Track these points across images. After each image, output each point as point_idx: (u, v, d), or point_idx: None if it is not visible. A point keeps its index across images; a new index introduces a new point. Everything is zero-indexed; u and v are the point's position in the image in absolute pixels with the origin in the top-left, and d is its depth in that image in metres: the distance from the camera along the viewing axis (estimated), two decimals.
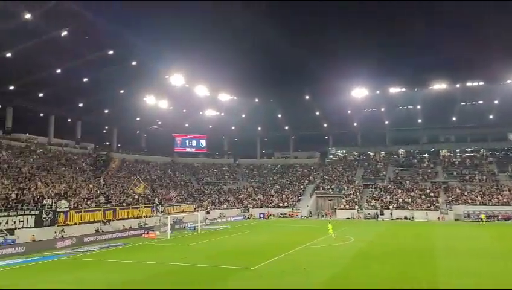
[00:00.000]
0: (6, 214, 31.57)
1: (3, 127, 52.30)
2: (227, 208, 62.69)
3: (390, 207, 57.81)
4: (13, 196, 35.27)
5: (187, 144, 79.52)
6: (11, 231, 31.15)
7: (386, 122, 74.76)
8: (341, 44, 50.82)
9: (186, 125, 77.69)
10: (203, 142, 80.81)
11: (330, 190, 67.21)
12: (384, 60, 52.21)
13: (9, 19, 35.58)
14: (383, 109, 70.74)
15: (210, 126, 78.41)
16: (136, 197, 49.60)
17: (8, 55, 40.72)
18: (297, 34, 49.73)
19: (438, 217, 53.86)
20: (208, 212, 56.63)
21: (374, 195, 62.19)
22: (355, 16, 46.04)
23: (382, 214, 56.74)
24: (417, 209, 56.30)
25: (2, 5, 33.66)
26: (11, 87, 49.02)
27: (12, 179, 38.84)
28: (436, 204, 56.65)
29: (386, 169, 71.37)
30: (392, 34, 49.08)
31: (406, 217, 55.18)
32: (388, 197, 60.84)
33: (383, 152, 79.11)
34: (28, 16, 35.15)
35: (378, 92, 63.50)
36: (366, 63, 51.08)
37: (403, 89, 62.67)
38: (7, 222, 31.15)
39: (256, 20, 45.38)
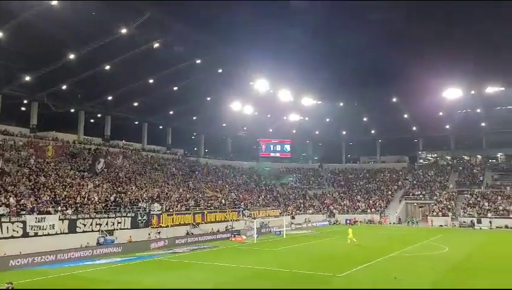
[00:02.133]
0: (106, 215, 33.93)
1: (102, 135, 56.43)
2: (312, 213, 62.11)
3: (489, 215, 53.53)
4: (112, 199, 37.79)
5: (272, 148, 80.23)
6: (111, 232, 33.42)
7: (483, 124, 69.40)
8: (431, 41, 48.17)
9: (270, 130, 78.36)
10: (287, 147, 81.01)
11: (421, 196, 63.96)
12: (479, 57, 48.36)
13: (107, 35, 38.32)
14: (478, 110, 65.79)
15: (294, 131, 78.40)
16: (223, 201, 50.86)
17: (107, 67, 43.86)
18: (384, 33, 47.92)
19: None
20: (293, 217, 56.49)
21: (470, 202, 57.99)
22: (447, 11, 43.30)
23: (479, 222, 52.73)
24: None
25: (101, 21, 36.34)
26: (109, 97, 52.81)
27: (111, 183, 41.67)
28: None
29: (483, 174, 66.32)
30: (488, 28, 45.37)
31: (506, 226, 50.78)
32: (486, 204, 56.40)
33: (479, 156, 73.61)
34: (124, 30, 37.57)
35: (473, 92, 59.10)
36: (459, 61, 47.81)
37: (502, 88, 57.68)
38: (107, 223, 33.46)
39: (341, 23, 44.54)
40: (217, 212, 46.02)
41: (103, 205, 36.03)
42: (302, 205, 64.85)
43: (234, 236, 41.02)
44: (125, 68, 44.83)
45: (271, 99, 60.45)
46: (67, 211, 32.30)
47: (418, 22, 45.83)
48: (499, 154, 72.48)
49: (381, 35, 48.71)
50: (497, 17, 43.66)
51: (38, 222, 29.06)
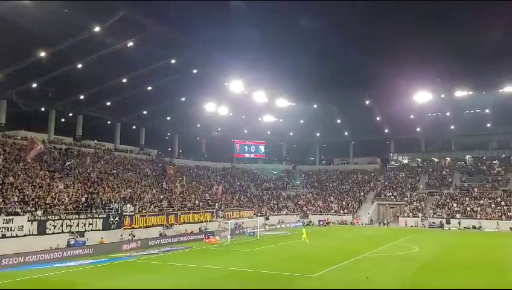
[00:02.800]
0: (77, 217, 33.24)
1: (73, 134, 55.32)
2: (286, 214, 62.46)
3: (457, 216, 55.01)
4: (83, 199, 37.09)
5: (246, 149, 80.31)
6: (81, 233, 32.79)
7: (452, 127, 71.35)
8: (403, 46, 49.21)
9: (245, 131, 78.43)
10: (262, 148, 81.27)
11: (392, 197, 65.19)
12: (450, 61, 49.79)
13: (80, 33, 37.64)
14: (448, 113, 67.56)
15: (268, 132, 78.71)
16: (197, 202, 50.60)
17: (79, 66, 43.05)
18: (358, 36, 48.70)
19: (510, 228, 50.53)
20: (267, 218, 56.67)
21: (440, 203, 59.48)
22: (418, 16, 44.37)
23: (448, 223, 54.14)
24: (487, 219, 53.20)
25: (74, 19, 35.67)
26: (82, 96, 51.80)
27: (82, 184, 40.91)
28: (508, 213, 53.15)
29: (452, 176, 68.10)
30: (458, 34, 46.82)
31: (474, 227, 52.32)
32: (455, 205, 57.94)
33: (448, 158, 75.59)
34: (97, 28, 36.99)
35: (443, 95, 60.70)
36: (431, 65, 49.05)
37: (470, 92, 59.46)
38: (78, 225, 32.80)
39: (315, 24, 45.00)
40: (190, 213, 45.75)
41: (74, 205, 35.34)
42: (276, 206, 65.14)
43: (208, 237, 40.87)
44: (98, 67, 44.10)
45: (246, 101, 60.54)
46: (37, 212, 31.55)
47: (390, 26, 46.72)
48: (467, 157, 74.55)
49: (354, 39, 49.45)
50: (466, 24, 45.04)
51: (6, 223, 28.29)
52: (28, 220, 29.63)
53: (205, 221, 46.20)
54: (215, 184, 61.23)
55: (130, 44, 40.95)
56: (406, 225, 56.10)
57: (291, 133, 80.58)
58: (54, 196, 35.22)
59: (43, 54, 39.07)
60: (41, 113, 52.03)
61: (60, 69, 43.28)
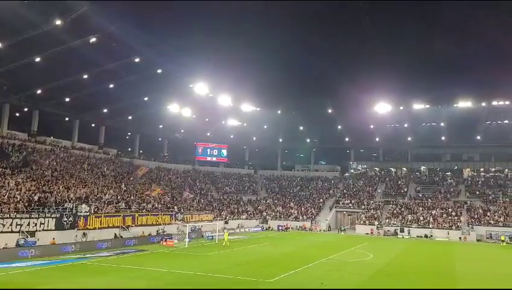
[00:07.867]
0: (28, 216, 31.96)
1: (28, 130, 53.30)
2: (246, 219, 62.41)
3: (411, 225, 56.66)
4: (36, 198, 35.74)
5: (208, 152, 79.79)
6: (32, 233, 31.54)
7: (409, 139, 73.79)
8: (365, 58, 50.47)
9: (208, 134, 78.13)
10: (224, 152, 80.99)
11: (350, 205, 66.44)
12: (409, 75, 51.52)
13: (40, 25, 36.37)
14: (406, 125, 69.86)
15: (232, 136, 78.68)
16: (156, 205, 49.78)
17: (37, 60, 41.59)
18: (321, 46, 49.49)
19: (460, 237, 52.54)
20: (226, 222, 56.44)
21: (395, 211, 61.12)
22: (380, 30, 45.61)
23: (402, 231, 55.68)
24: (438, 228, 55.06)
25: (33, 10, 34.44)
26: (38, 91, 50.03)
27: (36, 182, 39.43)
28: (458, 223, 55.26)
29: (408, 186, 70.23)
30: (418, 49, 48.54)
31: (426, 236, 54.01)
32: (409, 214, 59.69)
33: (404, 168, 78.09)
34: (58, 22, 35.85)
35: (401, 107, 62.72)
36: (391, 77, 50.46)
37: (427, 106, 61.80)
38: (28, 224, 31.52)
39: (280, 32, 45.37)
40: (148, 215, 44.93)
41: (26, 204, 33.97)
42: (236, 210, 65.00)
43: (165, 240, 40.27)
44: (58, 61, 42.67)
45: (210, 103, 60.31)
46: None
47: (352, 39, 47.80)
48: (422, 168, 77.15)
49: (318, 50, 50.25)
50: (426, 39, 46.71)
51: None
52: None
53: (163, 224, 45.50)
54: (187, 189, 60.97)
55: (93, 40, 39.94)
56: (371, 232, 57.03)
57: (254, 138, 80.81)
58: (5, 194, 33.77)
59: None
60: None
61: (16, 61, 41.73)
